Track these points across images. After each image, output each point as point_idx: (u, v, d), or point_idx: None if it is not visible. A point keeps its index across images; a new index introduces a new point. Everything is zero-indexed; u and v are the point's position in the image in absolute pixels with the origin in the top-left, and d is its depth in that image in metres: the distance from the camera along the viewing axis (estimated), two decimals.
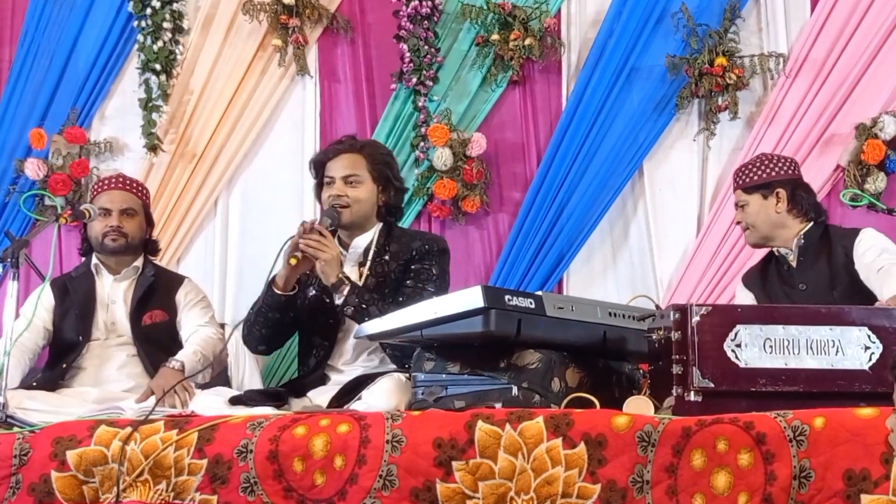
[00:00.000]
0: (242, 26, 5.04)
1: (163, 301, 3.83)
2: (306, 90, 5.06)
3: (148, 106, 5.03)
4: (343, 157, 3.51)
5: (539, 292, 2.89)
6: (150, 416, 2.85)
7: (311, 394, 3.38)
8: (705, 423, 2.39)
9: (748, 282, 3.78)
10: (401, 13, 4.87)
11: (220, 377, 3.96)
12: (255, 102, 5.02)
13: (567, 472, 2.45)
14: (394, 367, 3.32)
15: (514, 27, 4.77)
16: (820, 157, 4.56)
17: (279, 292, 3.37)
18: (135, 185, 3.94)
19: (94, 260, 3.85)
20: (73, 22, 5.12)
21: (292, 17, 4.93)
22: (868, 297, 3.37)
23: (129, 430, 2.75)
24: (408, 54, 4.85)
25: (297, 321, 3.49)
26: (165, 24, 5.02)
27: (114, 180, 3.92)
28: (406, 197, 4.05)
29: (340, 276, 3.29)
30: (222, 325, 4.08)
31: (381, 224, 3.53)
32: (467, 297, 2.76)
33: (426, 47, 4.86)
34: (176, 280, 3.94)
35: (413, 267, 3.44)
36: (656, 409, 2.61)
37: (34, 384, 3.60)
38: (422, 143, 4.83)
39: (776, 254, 3.72)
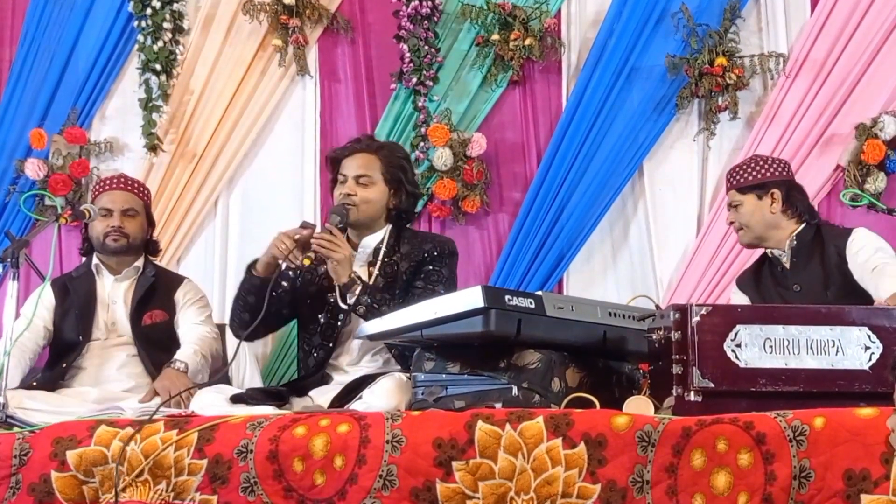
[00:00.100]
0: (242, 26, 5.04)
1: (163, 301, 3.83)
2: (306, 90, 5.07)
3: (148, 106, 5.04)
4: (358, 157, 3.50)
5: (539, 292, 2.89)
6: (150, 416, 2.85)
7: (312, 393, 3.38)
8: (705, 423, 2.39)
9: (742, 284, 3.79)
10: (401, 13, 4.87)
11: (220, 377, 3.96)
12: (256, 102, 5.03)
13: (567, 472, 2.45)
14: (398, 367, 3.31)
15: (514, 27, 4.77)
16: (820, 157, 4.57)
17: (257, 276, 3.37)
18: (136, 185, 3.94)
19: (95, 260, 3.86)
20: (73, 22, 5.12)
21: (292, 17, 4.93)
22: (862, 296, 3.38)
23: (129, 430, 2.75)
24: (408, 54, 4.85)
25: (281, 312, 3.48)
26: (165, 24, 5.02)
27: (115, 180, 3.92)
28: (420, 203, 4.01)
29: (352, 275, 3.30)
30: (222, 326, 4.08)
31: (390, 225, 3.52)
32: (467, 297, 2.76)
33: (426, 47, 4.87)
34: (176, 280, 3.94)
35: (424, 269, 3.43)
36: (656, 409, 2.61)
37: (34, 384, 3.60)
38: (422, 144, 4.83)
39: (769, 255, 3.73)
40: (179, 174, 5.03)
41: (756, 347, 2.54)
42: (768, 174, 3.66)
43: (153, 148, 5.02)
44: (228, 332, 4.20)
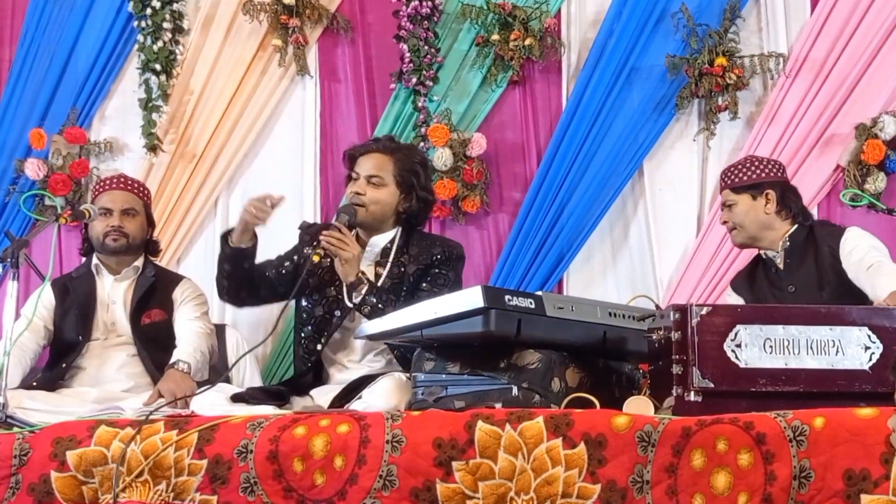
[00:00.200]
0: (242, 26, 5.04)
1: (162, 301, 3.83)
2: (306, 90, 5.07)
3: (148, 106, 5.03)
4: (373, 156, 3.50)
5: (539, 292, 2.89)
6: (150, 417, 2.85)
7: (313, 392, 3.38)
8: (705, 423, 2.39)
9: (737, 286, 3.80)
10: (401, 13, 4.87)
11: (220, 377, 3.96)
12: (255, 102, 5.02)
13: (567, 472, 2.45)
14: (401, 369, 3.30)
15: (514, 27, 4.77)
16: (820, 157, 4.57)
17: (231, 245, 3.39)
18: (136, 185, 3.94)
19: (95, 260, 3.85)
20: (73, 22, 5.12)
21: (292, 17, 4.93)
22: (857, 295, 3.39)
23: (130, 430, 2.75)
24: (408, 54, 4.85)
25: (272, 286, 3.48)
26: (165, 25, 5.02)
27: (115, 180, 3.92)
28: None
29: (360, 275, 3.30)
30: (222, 326, 4.08)
31: (400, 227, 3.51)
32: (467, 298, 2.76)
33: (426, 47, 4.86)
34: (175, 280, 3.94)
35: (431, 272, 3.43)
36: (656, 410, 2.61)
37: (34, 384, 3.60)
38: (422, 144, 4.82)
39: (763, 257, 3.73)
40: (179, 174, 5.03)
41: (756, 347, 2.54)
42: (763, 175, 3.66)
43: (153, 148, 5.02)
44: (228, 332, 4.20)
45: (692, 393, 2.53)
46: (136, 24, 5.06)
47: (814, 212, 4.49)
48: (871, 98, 4.52)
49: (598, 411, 2.61)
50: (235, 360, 3.86)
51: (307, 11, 4.94)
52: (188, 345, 3.64)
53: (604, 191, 4.73)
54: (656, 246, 4.73)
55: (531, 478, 2.47)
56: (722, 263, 4.54)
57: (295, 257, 3.52)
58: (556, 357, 2.81)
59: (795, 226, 3.66)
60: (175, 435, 2.72)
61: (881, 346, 2.54)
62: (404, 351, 3.28)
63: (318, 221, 4.66)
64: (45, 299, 3.74)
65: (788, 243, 3.65)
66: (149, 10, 5.01)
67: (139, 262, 3.86)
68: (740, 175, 3.67)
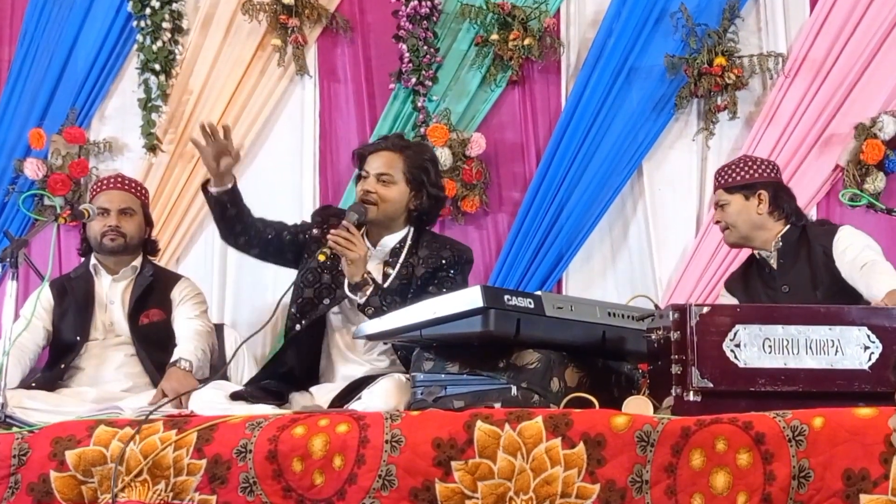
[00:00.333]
0: (242, 26, 5.04)
1: (160, 301, 3.83)
2: (305, 90, 5.06)
3: (147, 106, 5.03)
4: (382, 155, 3.49)
5: (538, 292, 2.89)
6: (149, 416, 2.84)
7: (313, 389, 3.37)
8: (704, 423, 2.39)
9: (730, 286, 3.81)
10: (400, 13, 4.86)
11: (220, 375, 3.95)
12: (255, 102, 5.02)
13: (566, 471, 2.45)
14: (403, 369, 3.30)
15: (513, 27, 4.77)
16: (819, 157, 4.57)
17: (210, 190, 3.41)
18: (133, 184, 3.94)
19: (93, 260, 3.86)
20: (72, 22, 5.11)
21: (291, 17, 4.93)
22: (851, 295, 3.39)
23: (129, 430, 2.75)
24: (407, 54, 4.85)
25: (251, 230, 3.49)
26: (165, 24, 5.02)
27: (112, 180, 3.92)
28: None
29: (365, 275, 3.29)
30: (221, 325, 4.08)
31: (411, 226, 3.51)
32: (466, 297, 2.76)
33: (425, 47, 4.86)
34: (173, 279, 3.94)
35: (439, 275, 3.43)
36: (655, 409, 2.61)
37: (33, 384, 3.60)
38: None
39: (757, 257, 3.74)
40: (179, 174, 5.02)
41: (755, 347, 2.54)
42: (756, 175, 3.67)
43: (152, 148, 5.02)
44: (227, 332, 4.20)
45: (691, 393, 2.53)
46: (135, 23, 5.06)
47: (813, 212, 4.50)
48: (870, 98, 4.52)
49: (597, 411, 2.61)
50: (234, 352, 3.85)
51: (306, 11, 4.94)
52: (189, 343, 3.64)
53: (603, 190, 4.73)
54: (655, 246, 4.73)
55: (530, 478, 2.47)
56: (721, 263, 4.54)
57: (301, 235, 3.52)
58: (556, 357, 2.81)
59: (788, 226, 3.67)
60: (174, 435, 2.72)
61: (881, 346, 2.53)
62: (407, 353, 3.28)
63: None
64: (43, 300, 3.74)
65: (781, 243, 3.66)
66: (148, 10, 5.01)
67: (137, 262, 3.86)
68: (733, 175, 3.68)
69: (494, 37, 4.80)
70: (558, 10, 4.88)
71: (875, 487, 2.17)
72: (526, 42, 4.75)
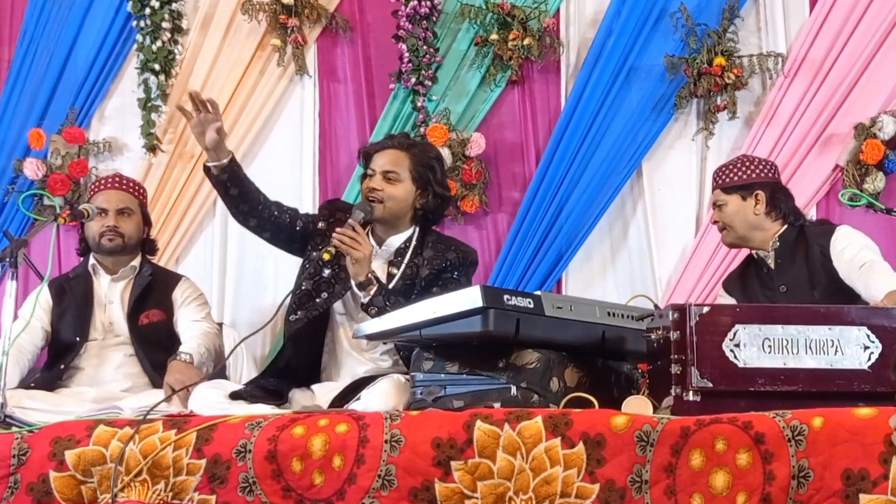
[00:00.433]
0: (241, 26, 5.03)
1: (160, 300, 3.83)
2: (305, 90, 5.06)
3: (147, 106, 5.03)
4: (388, 153, 3.50)
5: (538, 292, 2.89)
6: (149, 416, 2.84)
7: (315, 387, 3.37)
8: (704, 423, 2.39)
9: (728, 287, 3.81)
10: (400, 13, 4.86)
11: (217, 371, 3.96)
12: (254, 102, 5.02)
13: (566, 471, 2.45)
14: (405, 370, 3.29)
15: (512, 27, 4.77)
16: (819, 157, 4.56)
17: (210, 168, 3.39)
18: (131, 184, 3.94)
19: (92, 260, 3.85)
20: (72, 21, 5.11)
21: (291, 17, 4.92)
22: (849, 294, 3.39)
23: (128, 430, 2.75)
24: (406, 54, 4.85)
25: (256, 208, 3.46)
26: (164, 24, 5.01)
27: (110, 180, 3.92)
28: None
29: (370, 275, 3.29)
30: (220, 325, 4.08)
31: (417, 226, 3.51)
32: (466, 297, 2.76)
33: (425, 47, 4.86)
34: (173, 279, 3.94)
35: (444, 276, 3.43)
36: (655, 409, 2.61)
37: (32, 385, 3.60)
38: None
39: (755, 257, 3.74)
40: (178, 174, 5.02)
41: (755, 347, 2.54)
42: (753, 175, 3.67)
43: (152, 148, 5.02)
44: (227, 332, 4.20)
45: (691, 392, 2.53)
46: (134, 23, 5.06)
47: (813, 212, 4.50)
48: (869, 98, 4.52)
49: (596, 411, 2.61)
50: (233, 347, 3.85)
51: (306, 11, 4.94)
52: (191, 339, 3.65)
53: (602, 190, 4.73)
54: (655, 245, 4.73)
55: (530, 477, 2.47)
56: (721, 263, 4.54)
57: (311, 225, 3.52)
58: (555, 357, 2.81)
59: (786, 226, 3.67)
60: (174, 434, 2.72)
61: (880, 346, 2.54)
62: (409, 353, 3.27)
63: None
64: (42, 300, 3.73)
65: (779, 244, 3.66)
66: (148, 10, 5.01)
67: (136, 262, 3.86)
68: (731, 175, 3.68)
69: (494, 37, 4.80)
70: (558, 10, 4.88)
71: (874, 487, 2.17)
72: (525, 42, 4.75)
